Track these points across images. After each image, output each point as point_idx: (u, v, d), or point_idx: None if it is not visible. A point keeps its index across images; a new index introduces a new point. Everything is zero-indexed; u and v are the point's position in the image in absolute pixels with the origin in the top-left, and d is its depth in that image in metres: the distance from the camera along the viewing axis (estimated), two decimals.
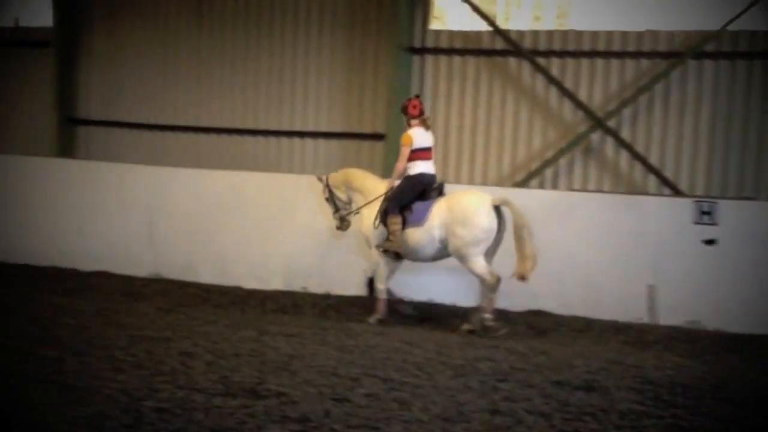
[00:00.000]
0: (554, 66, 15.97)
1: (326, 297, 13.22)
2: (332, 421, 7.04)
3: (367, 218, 11.63)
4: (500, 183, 15.95)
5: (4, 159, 15.16)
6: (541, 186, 15.86)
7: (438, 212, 11.18)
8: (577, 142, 15.77)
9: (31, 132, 17.88)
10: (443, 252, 11.32)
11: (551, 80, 15.88)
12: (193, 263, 13.89)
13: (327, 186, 12.02)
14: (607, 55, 15.70)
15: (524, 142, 16.20)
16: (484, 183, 16.04)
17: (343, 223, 12.04)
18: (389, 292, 11.94)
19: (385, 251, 11.46)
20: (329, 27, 16.85)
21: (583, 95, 15.83)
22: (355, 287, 13.10)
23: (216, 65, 17.38)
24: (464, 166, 16.44)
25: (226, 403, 7.40)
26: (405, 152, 11.27)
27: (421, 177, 11.35)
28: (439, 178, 11.79)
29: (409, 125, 11.48)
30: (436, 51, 16.47)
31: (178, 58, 17.52)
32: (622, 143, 15.64)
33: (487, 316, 11.14)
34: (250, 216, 13.77)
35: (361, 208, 11.76)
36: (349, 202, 11.98)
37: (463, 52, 16.39)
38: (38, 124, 17.81)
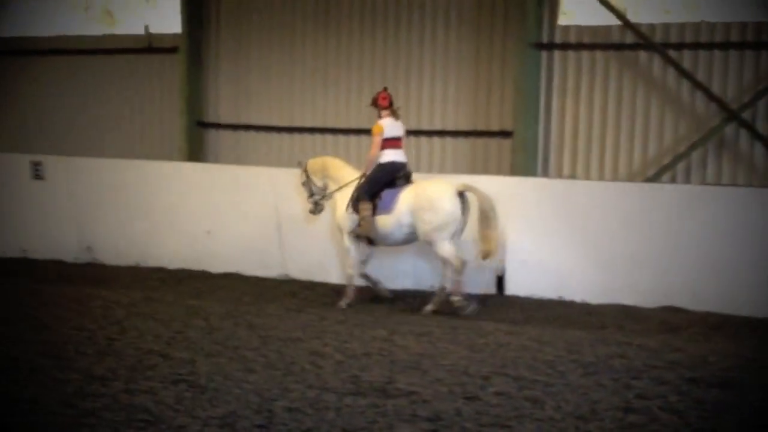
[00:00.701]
0: (686, 59, 15.64)
1: None
2: (463, 419, 7.03)
3: (340, 205, 12.25)
4: (631, 178, 15.69)
5: (135, 164, 15.53)
6: (673, 180, 15.54)
7: (405, 199, 11.79)
8: (710, 136, 15.41)
9: (160, 137, 18.30)
10: (411, 237, 11.96)
11: (683, 73, 15.55)
12: (323, 263, 14.01)
13: (305, 171, 12.65)
14: (742, 46, 15.31)
15: (655, 136, 15.91)
16: (615, 179, 15.80)
17: (316, 208, 12.69)
18: (367, 276, 12.62)
19: (357, 236, 12.11)
20: (455, 25, 16.82)
21: (716, 88, 15.47)
22: (486, 286, 13.04)
23: (342, 66, 17.52)
24: (594, 162, 16.23)
25: (357, 402, 7.46)
26: (376, 141, 11.95)
27: (391, 165, 12.00)
28: (410, 167, 12.40)
29: (380, 116, 12.11)
30: (564, 46, 16.29)
31: (304, 60, 17.72)
32: (757, 136, 15.23)
33: (457, 298, 11.72)
34: None
35: (333, 192, 12.40)
36: (325, 189, 12.58)
37: (591, 47, 16.17)
38: (168, 128, 18.22)
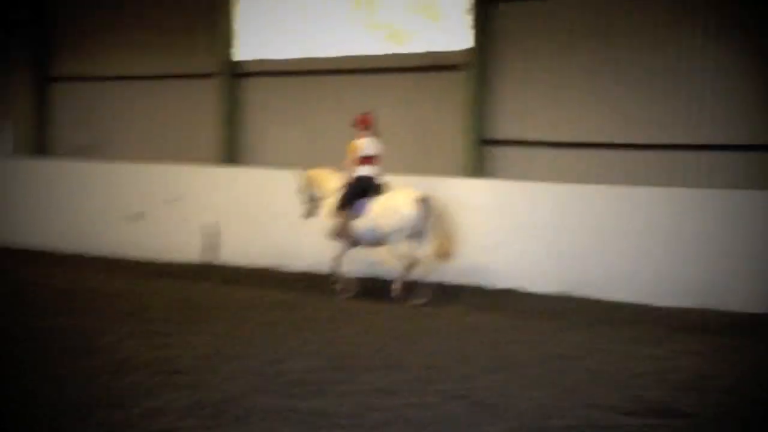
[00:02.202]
0: None
1: (723, 315, 13.05)
2: None
3: (326, 212, 14.36)
4: None
5: (422, 181, 16.08)
6: None
7: (374, 207, 13.79)
8: None
9: (444, 153, 18.69)
10: (381, 238, 13.87)
11: None
12: (612, 279, 14.13)
13: (304, 181, 14.72)
14: None
15: None
16: None
17: (309, 214, 14.73)
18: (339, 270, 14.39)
19: (333, 237, 14.22)
20: (726, 37, 16.33)
21: None
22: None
23: (611, 80, 17.36)
24: None
25: (633, 421, 7.54)
26: (350, 158, 14.05)
27: (361, 179, 14.01)
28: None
29: (359, 136, 14.14)
30: None
31: (579, 75, 17.67)
32: None
33: (397, 287, 13.78)
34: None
35: (321, 201, 14.54)
36: (314, 195, 14.64)
37: None
38: (451, 145, 18.59)
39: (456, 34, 18.71)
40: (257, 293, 14.06)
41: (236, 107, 20.27)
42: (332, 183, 14.44)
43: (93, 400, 8.13)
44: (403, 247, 13.76)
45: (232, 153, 20.19)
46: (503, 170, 18.11)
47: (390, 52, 19.28)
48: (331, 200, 14.31)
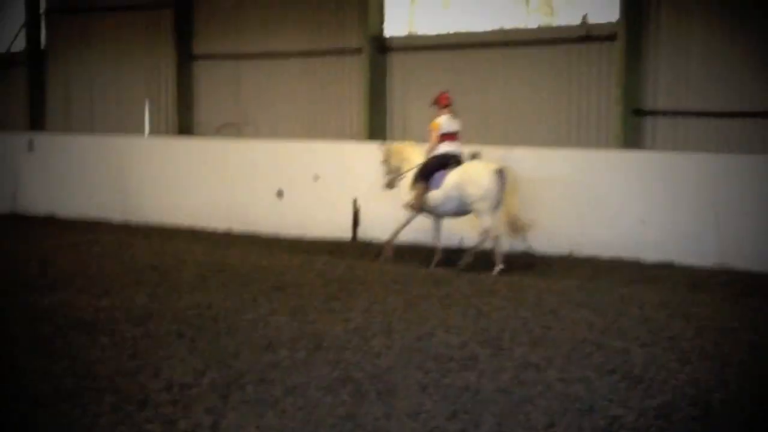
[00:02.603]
0: None
1: None
2: None
3: (405, 183, 14.81)
4: None
5: (564, 154, 15.75)
6: None
7: (452, 178, 14.17)
8: None
9: (596, 125, 18.29)
10: (459, 209, 14.34)
11: None
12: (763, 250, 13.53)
13: (387, 153, 15.22)
14: None
15: None
16: None
17: (390, 185, 15.17)
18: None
19: (410, 207, 14.67)
20: None
21: None
22: None
23: None
24: None
25: None
26: (433, 136, 14.51)
27: (444, 156, 14.43)
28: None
29: (439, 114, 14.56)
30: None
31: (735, 42, 17.01)
32: None
33: (468, 258, 14.15)
34: None
35: (404, 173, 14.88)
36: (399, 169, 15.00)
37: None
38: (603, 117, 18.18)
39: (607, 4, 18.24)
40: (401, 269, 13.88)
41: (382, 83, 20.12)
42: (415, 156, 14.85)
43: (237, 377, 8.09)
44: (482, 218, 14.11)
45: (377, 129, 20.05)
46: (657, 141, 17.60)
47: (540, 24, 18.90)
48: (411, 173, 14.71)
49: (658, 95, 17.76)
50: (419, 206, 14.59)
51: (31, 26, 25.69)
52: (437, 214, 14.69)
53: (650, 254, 14.48)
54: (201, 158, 19.13)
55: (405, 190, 14.83)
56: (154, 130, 23.26)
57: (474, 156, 15.11)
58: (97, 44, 24.71)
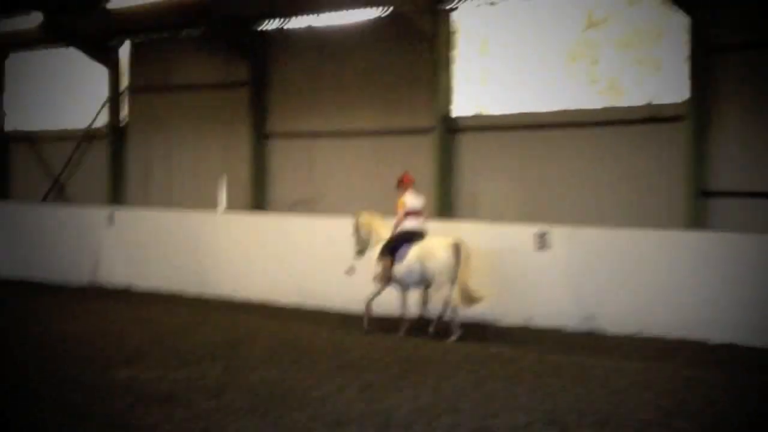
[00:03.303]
0: None
1: None
2: None
3: (375, 255, 15.89)
4: None
5: (633, 233, 15.80)
6: None
7: (414, 252, 15.33)
8: None
9: (658, 206, 18.26)
10: (421, 281, 15.43)
11: None
12: None
13: (356, 223, 16.34)
14: None
15: None
16: None
17: (359, 253, 16.26)
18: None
19: (377, 280, 15.76)
20: None
21: None
22: None
23: None
24: None
25: None
26: (400, 213, 15.73)
27: (408, 232, 15.63)
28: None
29: (403, 192, 15.84)
30: None
31: None
32: None
33: (432, 326, 15.26)
34: None
35: (371, 244, 16.11)
36: (368, 239, 16.14)
37: None
38: (665, 197, 18.15)
39: (674, 85, 18.35)
40: (470, 347, 13.97)
41: (451, 162, 20.38)
42: (381, 228, 16.09)
43: None
44: (440, 289, 15.21)
45: (446, 207, 20.27)
46: (723, 222, 17.54)
47: (607, 105, 19.04)
48: (378, 246, 15.86)
49: (724, 176, 17.75)
50: (387, 278, 15.67)
51: (113, 103, 26.44)
52: (402, 285, 15.68)
53: (715, 335, 14.43)
54: (274, 234, 19.42)
55: (375, 262, 15.83)
56: (230, 206, 23.69)
57: (542, 235, 15.36)
58: (175, 121, 25.31)
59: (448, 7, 20.32)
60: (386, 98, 21.32)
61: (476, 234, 16.83)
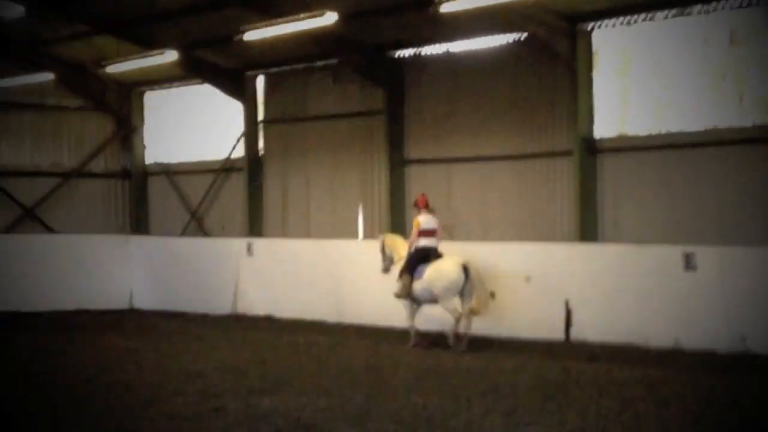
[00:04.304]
0: None
1: None
2: None
3: (396, 273, 17.41)
4: None
5: None
6: None
7: (429, 270, 16.78)
8: None
9: None
10: (433, 297, 16.82)
11: None
12: None
13: (382, 243, 18.08)
14: None
15: None
16: None
17: (385, 269, 17.95)
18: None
19: (398, 296, 17.25)
20: None
21: None
22: None
23: None
24: None
25: None
26: (414, 232, 17.29)
27: (423, 249, 17.13)
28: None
29: (419, 213, 17.37)
30: None
31: None
32: None
33: (451, 338, 16.66)
34: None
35: (394, 262, 17.74)
36: (392, 257, 17.78)
37: None
38: None
39: None
40: (615, 371, 13.82)
41: (593, 183, 20.17)
42: (402, 248, 17.57)
43: None
44: (453, 304, 16.61)
45: (588, 230, 20.05)
46: None
47: (755, 122, 18.63)
48: (399, 264, 17.37)
49: None
50: (407, 294, 17.08)
51: (250, 135, 26.97)
52: (420, 301, 17.14)
53: None
54: None
55: (397, 280, 17.32)
56: (368, 234, 23.90)
57: (689, 256, 15.21)
58: (311, 151, 25.64)
59: (587, 29, 20.18)
60: (524, 121, 21.23)
61: (621, 257, 16.71)
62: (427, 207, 17.46)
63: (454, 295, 16.68)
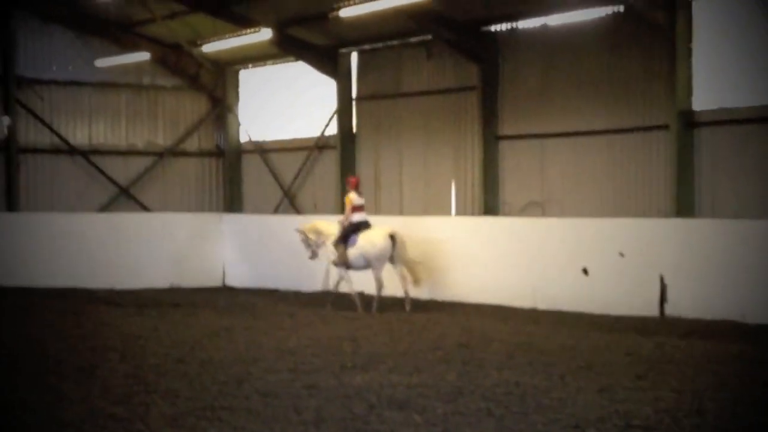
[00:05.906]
0: None
1: None
2: None
3: (330, 247, 19.71)
4: None
5: None
6: None
7: (360, 240, 19.24)
8: None
9: None
10: (367, 263, 19.30)
11: None
12: None
13: (303, 232, 20.39)
14: None
15: None
16: None
17: (313, 256, 20.44)
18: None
19: (336, 264, 19.62)
20: None
21: None
22: None
23: None
24: None
25: None
26: (348, 208, 19.58)
27: (356, 223, 19.50)
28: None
29: (350, 191, 19.70)
30: None
31: None
32: None
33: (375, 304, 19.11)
34: None
35: (329, 242, 19.85)
36: (318, 242, 20.12)
37: None
38: None
39: None
40: (712, 347, 13.63)
41: (690, 158, 19.85)
42: (328, 228, 19.88)
43: None
44: (376, 272, 19.13)
45: (684, 206, 19.76)
46: None
47: None
48: (332, 238, 19.58)
49: None
50: (344, 262, 19.44)
51: (343, 112, 27.09)
52: (354, 267, 19.47)
53: None
54: (506, 237, 19.57)
55: (330, 252, 19.70)
56: (461, 210, 23.89)
57: None
58: (404, 128, 25.69)
59: None
60: (620, 96, 20.99)
61: (718, 232, 16.49)
62: (357, 188, 19.84)
63: (384, 260, 19.16)
